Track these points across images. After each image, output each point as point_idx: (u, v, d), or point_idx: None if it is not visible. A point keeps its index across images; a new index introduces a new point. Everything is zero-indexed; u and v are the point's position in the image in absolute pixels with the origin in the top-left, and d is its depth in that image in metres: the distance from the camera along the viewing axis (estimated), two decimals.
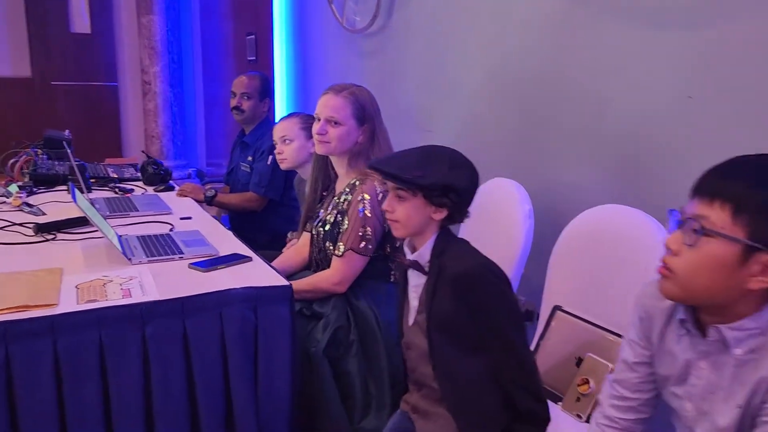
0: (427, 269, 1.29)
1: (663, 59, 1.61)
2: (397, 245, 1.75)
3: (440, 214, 1.27)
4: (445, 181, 1.24)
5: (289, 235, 2.28)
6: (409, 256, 1.32)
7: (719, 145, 1.47)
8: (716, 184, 0.87)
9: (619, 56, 1.74)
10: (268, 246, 2.25)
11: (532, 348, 1.69)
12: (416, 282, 1.33)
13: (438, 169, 1.24)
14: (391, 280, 1.79)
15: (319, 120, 1.78)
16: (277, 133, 2.26)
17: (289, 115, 2.32)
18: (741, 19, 1.43)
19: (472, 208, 1.33)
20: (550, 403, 1.33)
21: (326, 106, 1.77)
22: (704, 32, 1.51)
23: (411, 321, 1.35)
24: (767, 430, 0.86)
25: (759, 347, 0.89)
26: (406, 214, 1.27)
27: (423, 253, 1.29)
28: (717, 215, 0.86)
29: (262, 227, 2.67)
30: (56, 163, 2.84)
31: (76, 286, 1.47)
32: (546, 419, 1.28)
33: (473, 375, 1.27)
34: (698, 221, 0.87)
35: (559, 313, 1.66)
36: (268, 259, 1.74)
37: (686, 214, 0.90)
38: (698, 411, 0.96)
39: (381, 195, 1.69)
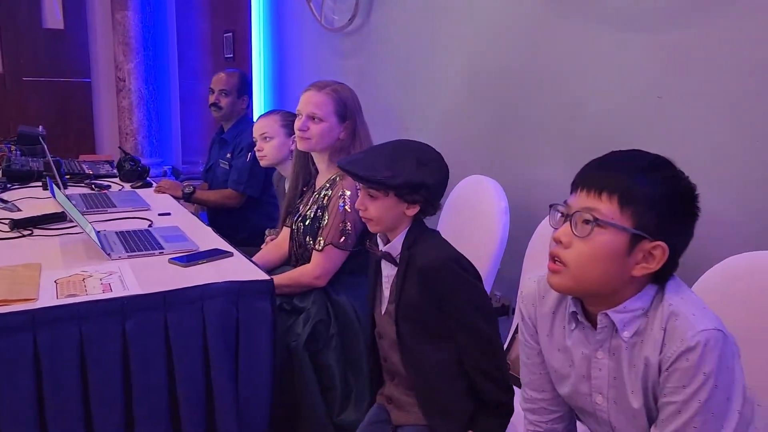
0: (398, 261, 1.32)
1: (633, 61, 1.67)
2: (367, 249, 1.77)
3: (413, 210, 1.30)
4: (416, 179, 1.26)
5: (266, 232, 2.29)
6: (382, 248, 1.35)
7: (687, 143, 1.53)
8: (603, 178, 0.91)
9: (591, 57, 1.79)
10: (246, 242, 2.26)
11: (506, 341, 1.74)
12: (388, 273, 1.36)
13: (407, 167, 1.26)
14: None
15: (300, 116, 1.80)
16: (257, 130, 2.27)
17: (269, 113, 2.33)
18: (707, 21, 1.48)
19: (449, 205, 1.36)
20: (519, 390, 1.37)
21: (308, 102, 1.78)
22: (672, 34, 1.56)
23: (383, 310, 1.37)
24: (669, 411, 0.89)
25: (642, 329, 0.93)
26: (379, 212, 1.30)
27: (395, 245, 1.32)
28: (606, 207, 0.90)
29: (240, 224, 2.67)
30: (30, 159, 2.81)
31: (55, 281, 1.46)
32: (511, 410, 1.30)
33: (439, 363, 1.30)
34: (590, 213, 0.90)
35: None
36: (249, 256, 1.75)
37: (574, 207, 0.92)
38: (610, 401, 0.99)
39: (360, 191, 1.72)
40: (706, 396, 0.86)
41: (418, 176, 1.26)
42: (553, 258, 0.95)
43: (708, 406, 0.86)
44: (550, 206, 0.98)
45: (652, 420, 0.95)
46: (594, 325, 0.98)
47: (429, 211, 1.32)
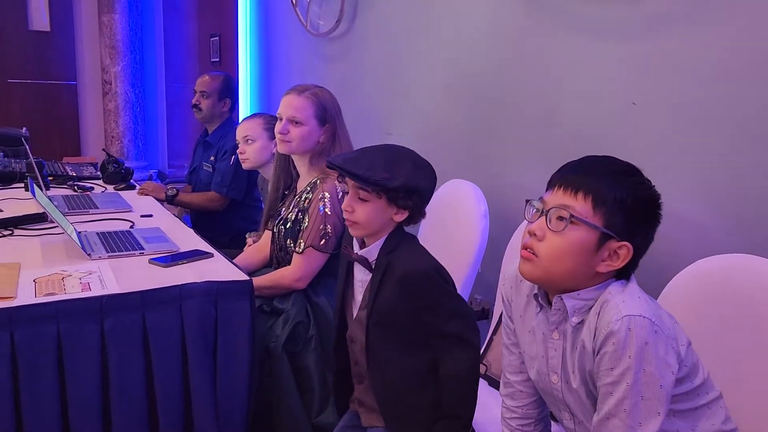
0: (374, 266, 1.28)
1: (608, 68, 1.70)
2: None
3: (401, 216, 1.26)
4: (412, 182, 1.23)
5: (247, 235, 2.30)
6: (357, 250, 1.31)
7: (661, 148, 1.57)
8: (579, 178, 0.98)
9: (568, 64, 1.83)
10: (228, 245, 2.27)
11: (484, 343, 1.76)
12: (361, 277, 1.32)
13: (404, 170, 1.23)
14: None
15: (281, 120, 1.81)
16: (240, 133, 2.28)
17: (252, 116, 2.35)
18: (680, 30, 1.52)
19: (430, 208, 1.36)
20: (496, 393, 1.37)
21: (289, 106, 1.80)
22: (646, 43, 1.60)
23: (354, 314, 1.35)
24: (602, 392, 0.95)
25: (585, 317, 1.00)
26: (367, 215, 1.25)
27: (371, 250, 1.28)
28: (581, 205, 0.96)
29: (223, 227, 2.68)
30: (12, 160, 2.80)
31: (34, 280, 1.46)
32: (469, 424, 1.28)
33: (407, 373, 1.27)
34: (566, 210, 0.96)
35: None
36: (230, 258, 1.76)
37: (550, 203, 0.99)
38: (562, 380, 1.05)
39: (341, 193, 1.73)
40: (633, 379, 0.91)
41: (414, 180, 1.24)
42: (526, 249, 1.01)
43: (636, 389, 0.91)
44: (527, 201, 1.04)
45: (595, 402, 1.00)
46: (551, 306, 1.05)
47: (416, 218, 1.29)
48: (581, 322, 1.00)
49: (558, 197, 0.99)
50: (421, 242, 1.36)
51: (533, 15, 1.94)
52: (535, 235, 0.99)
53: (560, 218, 0.97)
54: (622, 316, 0.91)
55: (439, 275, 1.26)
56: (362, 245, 1.32)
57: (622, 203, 0.95)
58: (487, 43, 2.13)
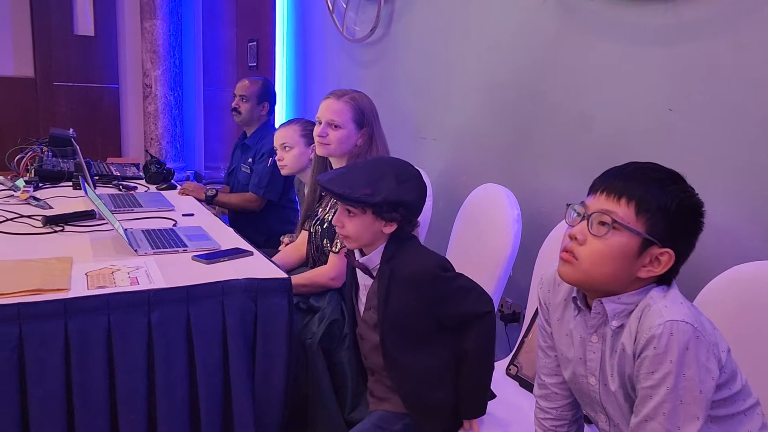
0: (375, 274, 1.35)
1: (644, 74, 1.71)
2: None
3: (390, 228, 1.31)
4: (394, 197, 1.27)
5: (282, 237, 2.35)
6: (358, 257, 1.37)
7: (697, 154, 1.57)
8: (623, 184, 0.99)
9: (603, 70, 1.84)
10: (264, 245, 2.32)
11: (515, 345, 1.78)
12: (365, 282, 1.39)
13: (386, 185, 1.28)
14: None
15: (320, 123, 1.87)
16: (278, 140, 2.32)
17: (289, 122, 2.39)
18: (717, 35, 1.52)
19: (463, 212, 1.40)
20: (530, 395, 1.41)
21: (327, 109, 1.86)
22: (683, 48, 1.61)
23: (361, 313, 1.42)
24: (642, 395, 0.96)
25: (625, 321, 1.01)
26: (356, 229, 1.32)
27: (372, 258, 1.34)
28: (624, 211, 0.97)
29: (259, 227, 2.74)
30: (61, 160, 2.92)
31: (85, 274, 1.54)
32: (489, 390, 1.37)
33: (425, 370, 1.34)
34: (609, 215, 0.98)
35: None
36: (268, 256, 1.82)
37: (592, 208, 1.00)
38: (600, 383, 1.06)
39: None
40: (673, 383, 0.92)
41: (397, 194, 1.28)
42: (567, 252, 1.02)
43: (676, 394, 0.92)
44: (567, 205, 1.06)
45: (632, 406, 1.01)
46: (591, 309, 1.06)
47: (407, 229, 1.34)
48: (621, 326, 1.01)
49: (600, 202, 1.00)
50: (453, 246, 1.40)
51: (568, 21, 1.96)
52: (575, 238, 1.01)
53: (602, 223, 0.98)
54: (664, 321, 0.92)
55: (442, 270, 1.31)
56: (363, 253, 1.38)
57: (665, 210, 0.96)
58: (522, 48, 2.15)
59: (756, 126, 1.44)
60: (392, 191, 1.27)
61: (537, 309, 1.76)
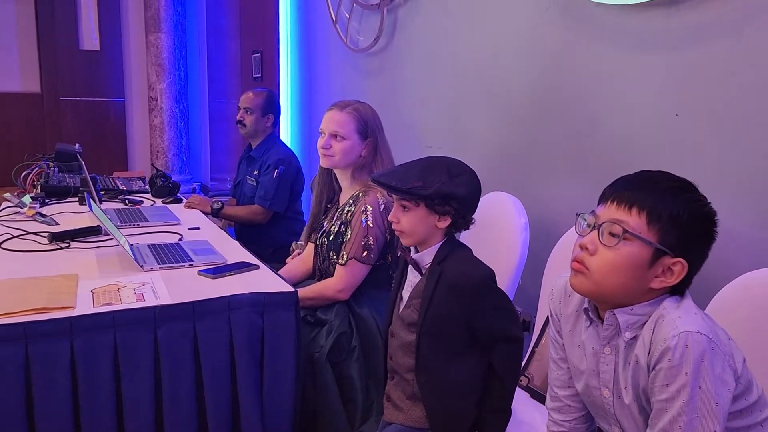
0: (424, 272, 1.36)
1: (650, 79, 1.70)
2: (398, 255, 1.82)
3: (444, 222, 1.32)
4: (446, 189, 1.29)
5: (293, 246, 2.34)
6: (413, 254, 1.39)
7: (705, 159, 1.56)
8: (634, 193, 0.97)
9: (609, 76, 1.82)
10: (271, 259, 2.31)
11: (525, 355, 1.76)
12: (412, 278, 1.40)
13: (438, 178, 1.29)
14: (392, 288, 1.85)
15: (323, 135, 1.86)
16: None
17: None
18: (723, 40, 1.51)
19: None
20: (541, 406, 1.40)
21: (331, 121, 1.85)
22: (689, 53, 1.59)
23: (400, 310, 1.42)
24: (657, 408, 0.94)
25: (638, 333, 0.99)
26: (411, 224, 1.33)
27: (425, 256, 1.36)
28: (635, 221, 0.96)
29: (266, 239, 2.74)
30: (67, 175, 2.92)
31: (91, 291, 1.53)
32: (509, 413, 1.37)
33: (456, 378, 1.34)
34: (619, 225, 0.96)
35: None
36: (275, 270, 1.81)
37: (603, 217, 0.99)
38: (614, 395, 1.04)
39: (383, 206, 1.77)
40: (689, 396, 0.90)
41: (448, 187, 1.29)
42: (577, 262, 1.01)
43: (692, 406, 0.90)
44: (577, 214, 1.04)
45: (647, 419, 0.99)
46: (603, 321, 1.04)
47: (461, 225, 1.35)
48: (634, 338, 0.99)
49: (611, 212, 0.98)
50: None
51: (573, 28, 1.95)
52: (586, 249, 0.99)
53: (613, 234, 0.97)
54: (679, 332, 0.91)
55: (491, 280, 1.33)
56: (417, 250, 1.39)
57: (677, 220, 0.95)
58: (527, 56, 2.14)
59: (763, 130, 1.42)
60: (444, 184, 1.29)
61: (547, 319, 1.75)
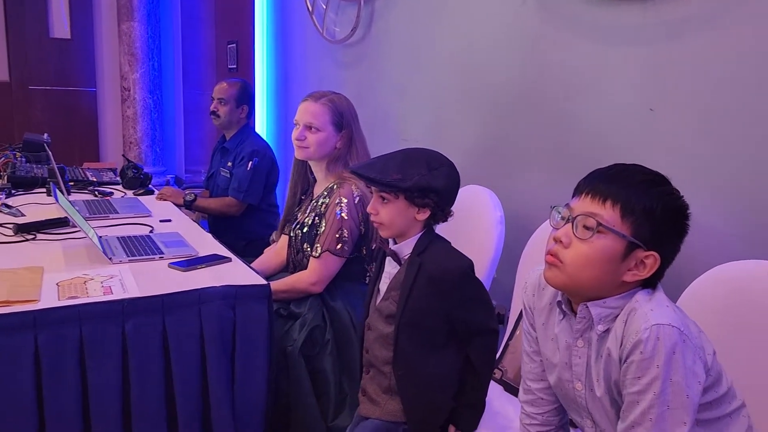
0: (403, 263, 1.35)
1: (625, 74, 1.70)
2: (372, 248, 1.81)
3: (423, 214, 1.32)
4: (425, 182, 1.29)
5: (273, 236, 2.29)
6: (392, 246, 1.38)
7: (678, 154, 1.57)
8: (608, 186, 0.97)
9: (584, 71, 1.83)
10: (244, 251, 2.28)
11: (500, 349, 1.76)
12: (390, 270, 1.40)
13: (417, 171, 1.29)
14: (366, 281, 1.84)
15: (298, 126, 1.83)
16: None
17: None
18: (697, 35, 1.52)
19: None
20: (514, 399, 1.40)
21: (305, 112, 1.82)
22: (663, 47, 1.60)
23: (377, 302, 1.41)
24: (629, 401, 0.95)
25: (611, 326, 1.00)
26: (390, 216, 1.33)
27: (404, 247, 1.36)
28: (609, 214, 0.96)
29: (240, 232, 2.70)
30: (35, 166, 2.85)
31: (57, 284, 1.49)
32: (484, 405, 1.39)
33: (437, 371, 1.34)
34: (593, 218, 0.96)
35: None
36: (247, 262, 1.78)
37: (577, 210, 0.99)
38: (587, 388, 1.05)
39: (358, 198, 1.75)
40: (660, 388, 0.90)
41: (428, 180, 1.29)
42: (551, 255, 1.01)
43: (663, 399, 0.91)
44: (552, 207, 1.04)
45: (618, 411, 1.00)
46: (576, 314, 1.04)
47: (440, 217, 1.35)
48: (607, 331, 1.00)
49: (585, 205, 0.98)
50: None
51: (549, 22, 1.94)
52: (560, 241, 0.99)
53: (587, 226, 0.96)
54: (650, 325, 0.91)
55: (470, 270, 1.33)
56: (395, 242, 1.39)
57: (650, 213, 0.95)
58: (504, 49, 2.13)
59: (736, 125, 1.44)
60: (423, 177, 1.29)
61: (521, 312, 1.75)
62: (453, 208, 1.39)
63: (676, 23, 1.57)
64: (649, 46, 1.64)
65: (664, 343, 0.90)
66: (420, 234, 1.35)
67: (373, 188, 1.36)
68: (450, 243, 1.41)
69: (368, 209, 1.37)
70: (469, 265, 1.34)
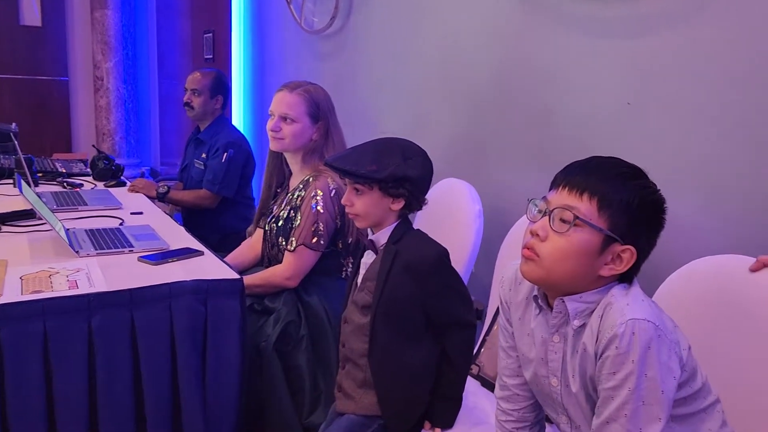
0: (379, 251, 1.34)
1: (604, 67, 1.69)
2: (349, 241, 1.78)
3: (398, 204, 1.32)
4: (400, 172, 1.28)
5: (249, 229, 2.24)
6: (370, 236, 1.38)
7: (654, 148, 1.56)
8: (585, 179, 0.95)
9: (564, 63, 1.81)
10: (219, 246, 2.23)
11: (477, 344, 1.74)
12: (366, 260, 1.38)
13: (391, 161, 1.29)
14: (342, 276, 1.81)
15: (273, 117, 1.79)
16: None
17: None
18: (676, 29, 1.51)
19: (425, 207, 1.39)
20: (491, 395, 1.39)
21: (281, 102, 1.78)
22: (642, 41, 1.59)
23: (353, 295, 1.40)
24: (603, 396, 0.94)
25: (587, 320, 0.98)
26: (365, 207, 1.32)
27: (380, 237, 1.35)
28: (586, 207, 0.94)
29: (214, 225, 2.65)
30: (2, 156, 2.77)
31: (20, 278, 1.44)
32: (461, 400, 1.37)
33: (410, 362, 1.32)
34: (570, 211, 0.94)
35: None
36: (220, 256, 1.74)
37: (554, 203, 0.97)
38: (562, 384, 1.04)
39: (334, 191, 1.72)
40: (635, 384, 0.89)
41: (402, 170, 1.29)
42: (528, 249, 0.99)
43: (638, 394, 0.89)
44: (528, 200, 1.02)
45: (593, 407, 0.98)
46: (553, 310, 1.03)
47: (414, 206, 1.35)
48: (583, 326, 0.98)
49: (562, 197, 0.96)
50: None
51: (529, 13, 1.93)
52: (537, 235, 0.97)
53: (563, 220, 0.95)
54: (626, 320, 0.90)
55: (447, 260, 1.32)
56: (373, 232, 1.38)
57: (627, 206, 0.93)
58: (483, 41, 2.11)
59: (711, 120, 1.44)
60: (398, 167, 1.28)
61: (498, 307, 1.74)
62: (430, 202, 1.39)
63: (656, 17, 1.56)
64: (627, 40, 1.63)
65: (640, 338, 0.88)
66: (396, 223, 1.35)
67: (346, 180, 1.34)
68: (425, 233, 1.40)
69: (342, 201, 1.36)
70: (444, 252, 1.33)
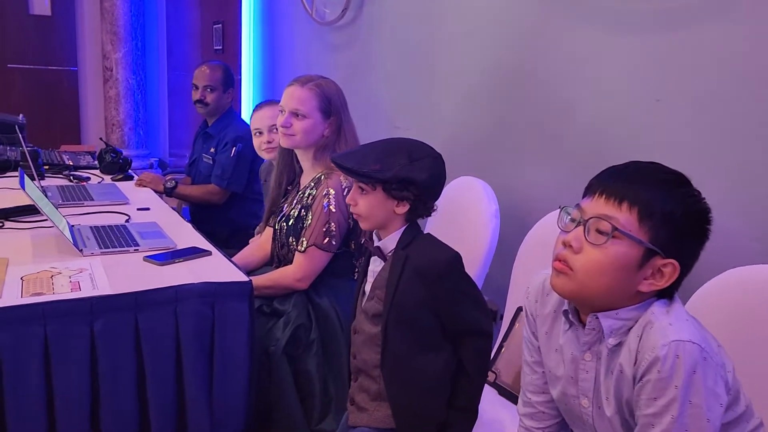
0: (387, 258, 1.28)
1: (629, 63, 1.62)
2: (362, 241, 1.72)
3: (403, 208, 1.25)
4: (404, 174, 1.21)
5: (258, 228, 2.20)
6: (376, 242, 1.31)
7: (685, 148, 1.49)
8: (624, 187, 0.88)
9: (586, 60, 1.74)
10: (227, 242, 2.18)
11: (494, 349, 1.68)
12: (374, 267, 1.31)
13: (397, 162, 1.22)
14: (355, 277, 1.75)
15: (283, 112, 1.73)
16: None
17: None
18: (705, 23, 1.44)
19: (439, 205, 1.32)
20: (509, 404, 1.32)
21: (291, 97, 1.72)
22: (670, 36, 1.52)
23: (362, 304, 1.33)
24: (643, 423, 0.87)
25: (624, 339, 0.91)
26: (368, 207, 1.26)
27: (387, 243, 1.28)
28: (625, 217, 0.87)
29: (223, 221, 2.60)
30: (8, 148, 2.72)
31: (21, 278, 1.39)
32: (476, 413, 1.30)
33: (426, 376, 1.26)
34: (608, 221, 0.87)
35: (523, 314, 1.65)
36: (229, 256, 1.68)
37: (589, 213, 0.89)
38: (594, 405, 0.97)
39: (346, 190, 1.66)
40: (678, 411, 0.82)
41: (407, 171, 1.22)
42: (560, 261, 0.92)
43: (681, 422, 0.83)
44: (560, 208, 0.95)
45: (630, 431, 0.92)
46: (584, 325, 0.96)
47: (421, 211, 1.27)
48: (619, 344, 0.91)
49: (599, 206, 0.89)
50: None
51: (550, 8, 1.85)
52: (570, 246, 0.90)
53: (600, 231, 0.88)
54: (669, 341, 0.83)
55: (459, 265, 1.25)
56: (379, 238, 1.31)
57: (671, 217, 0.86)
58: (501, 34, 2.04)
59: (749, 120, 1.36)
60: (402, 168, 1.21)
61: (516, 311, 1.68)
62: (444, 200, 1.31)
63: (685, 11, 1.48)
64: (656, 34, 1.55)
65: (684, 362, 0.81)
66: (403, 228, 1.28)
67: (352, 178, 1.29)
68: (435, 237, 1.33)
69: (347, 200, 1.30)
70: (456, 256, 1.26)
